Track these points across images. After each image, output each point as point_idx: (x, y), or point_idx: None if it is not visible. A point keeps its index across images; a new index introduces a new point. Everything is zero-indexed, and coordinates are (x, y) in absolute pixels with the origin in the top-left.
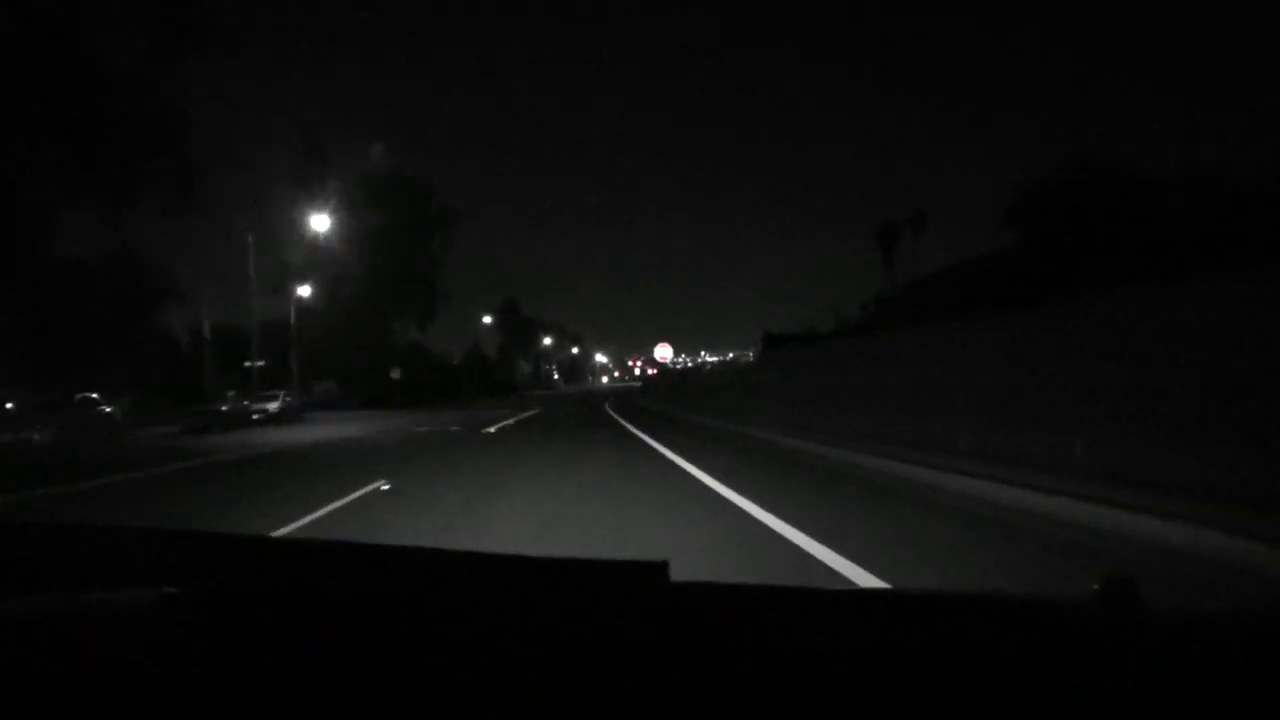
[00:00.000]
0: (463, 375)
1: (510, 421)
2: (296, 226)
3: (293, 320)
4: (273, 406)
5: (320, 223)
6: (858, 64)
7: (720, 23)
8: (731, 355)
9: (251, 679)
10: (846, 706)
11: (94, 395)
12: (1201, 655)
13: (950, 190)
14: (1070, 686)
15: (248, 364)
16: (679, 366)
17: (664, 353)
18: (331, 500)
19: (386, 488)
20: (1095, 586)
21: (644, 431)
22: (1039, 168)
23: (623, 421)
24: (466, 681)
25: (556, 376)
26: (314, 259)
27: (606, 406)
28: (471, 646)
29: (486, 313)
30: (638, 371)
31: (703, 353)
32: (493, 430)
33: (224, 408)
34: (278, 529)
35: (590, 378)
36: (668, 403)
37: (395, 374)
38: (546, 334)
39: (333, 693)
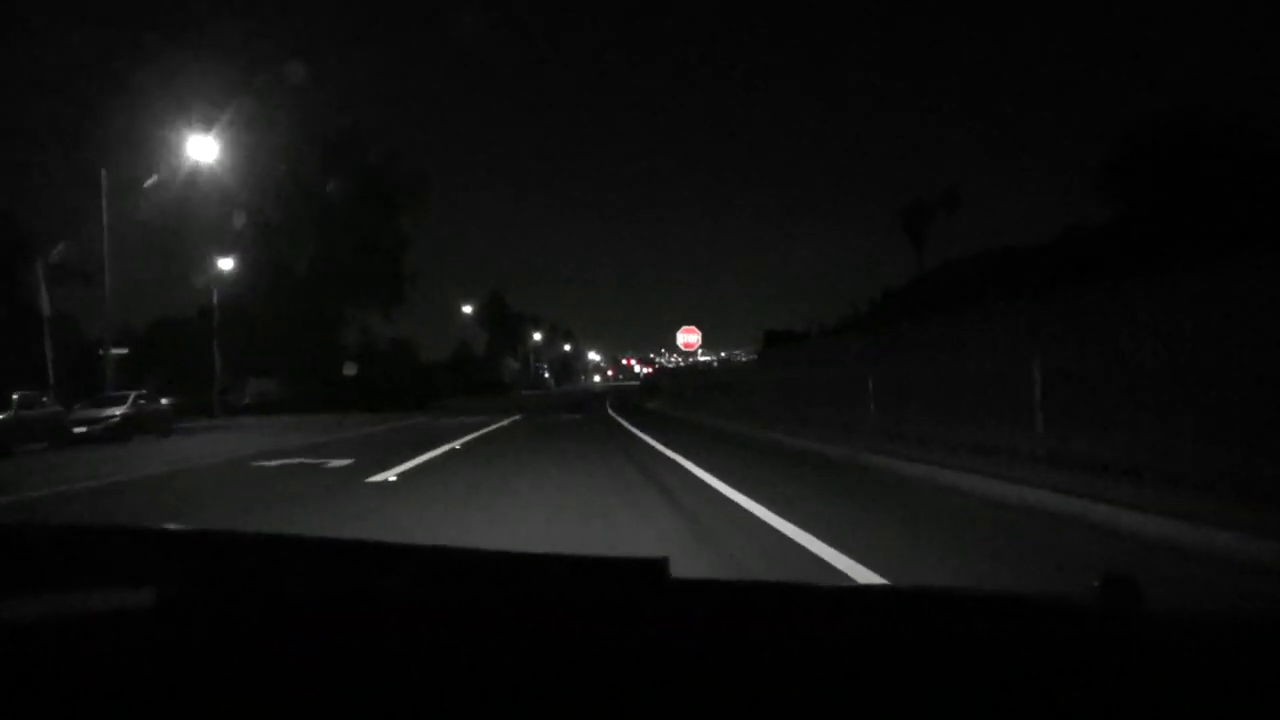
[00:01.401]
0: (437, 373)
1: (457, 445)
2: (222, 181)
3: (214, 301)
4: (115, 413)
5: (204, 149)
6: (858, 56)
7: (719, 17)
8: (723, 355)
9: (251, 679)
10: (848, 705)
11: None
12: (1202, 655)
13: (975, 178)
14: (1070, 685)
15: (103, 352)
16: (673, 366)
17: (689, 339)
18: None
19: None
20: (1095, 584)
21: (743, 489)
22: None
23: (662, 448)
24: (466, 679)
25: (547, 375)
26: (248, 223)
27: (610, 410)
28: (471, 644)
29: (473, 308)
30: (638, 370)
31: (700, 351)
32: (393, 478)
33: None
34: None
35: (582, 377)
36: (692, 406)
37: (350, 371)
38: (536, 329)
39: (332, 691)
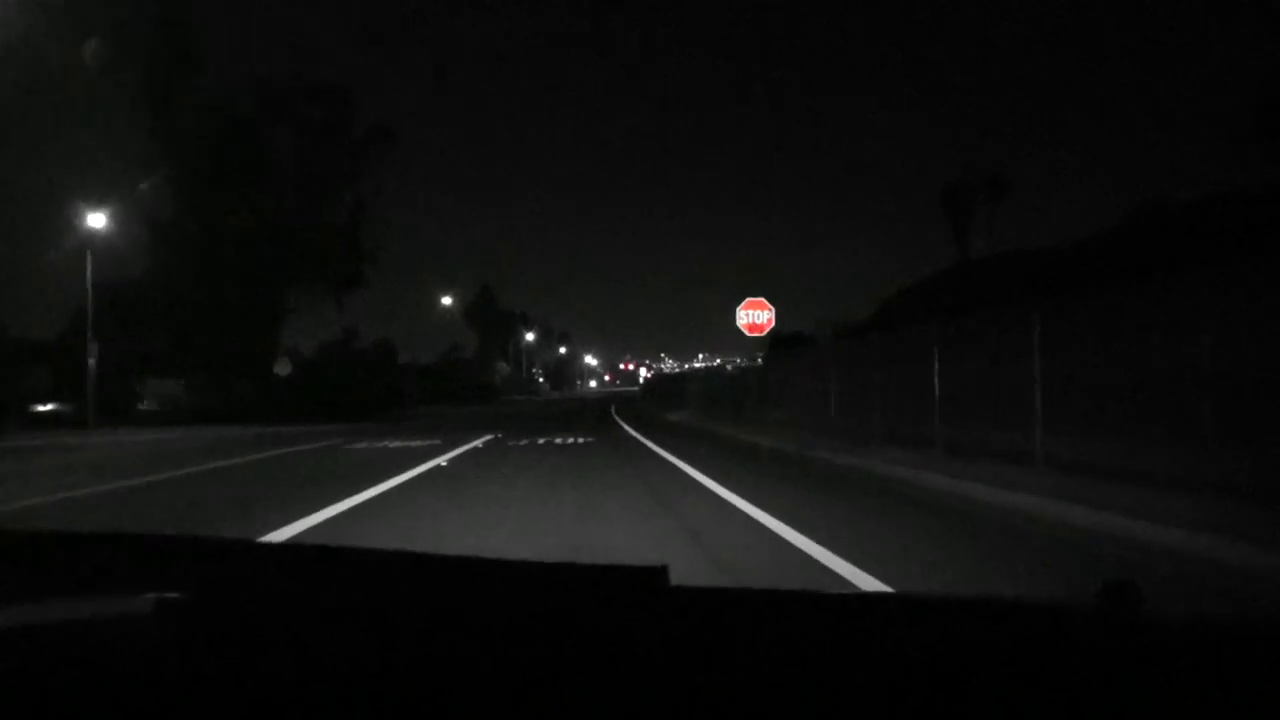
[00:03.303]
0: (414, 376)
1: None
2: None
3: (88, 275)
4: None
5: None
6: (862, 49)
7: (728, 9)
8: (719, 361)
9: (250, 684)
10: (849, 710)
11: None
12: (1202, 658)
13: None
14: (1071, 689)
15: None
16: (673, 372)
17: (757, 319)
18: None
19: None
20: (1096, 589)
21: None
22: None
23: None
24: (466, 686)
25: (542, 380)
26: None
27: (624, 424)
28: (471, 650)
29: (461, 306)
30: (644, 374)
31: (701, 356)
32: None
33: None
34: None
35: (579, 381)
36: (747, 419)
37: (283, 370)
38: (529, 329)
39: (332, 696)
